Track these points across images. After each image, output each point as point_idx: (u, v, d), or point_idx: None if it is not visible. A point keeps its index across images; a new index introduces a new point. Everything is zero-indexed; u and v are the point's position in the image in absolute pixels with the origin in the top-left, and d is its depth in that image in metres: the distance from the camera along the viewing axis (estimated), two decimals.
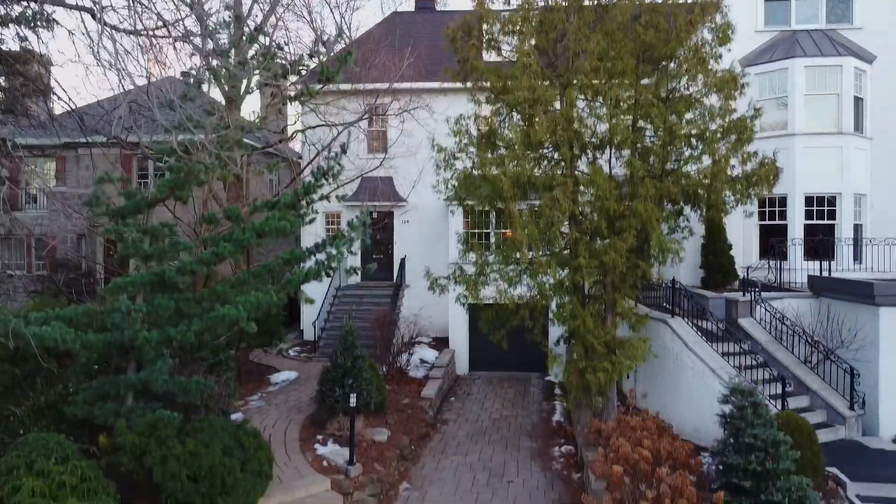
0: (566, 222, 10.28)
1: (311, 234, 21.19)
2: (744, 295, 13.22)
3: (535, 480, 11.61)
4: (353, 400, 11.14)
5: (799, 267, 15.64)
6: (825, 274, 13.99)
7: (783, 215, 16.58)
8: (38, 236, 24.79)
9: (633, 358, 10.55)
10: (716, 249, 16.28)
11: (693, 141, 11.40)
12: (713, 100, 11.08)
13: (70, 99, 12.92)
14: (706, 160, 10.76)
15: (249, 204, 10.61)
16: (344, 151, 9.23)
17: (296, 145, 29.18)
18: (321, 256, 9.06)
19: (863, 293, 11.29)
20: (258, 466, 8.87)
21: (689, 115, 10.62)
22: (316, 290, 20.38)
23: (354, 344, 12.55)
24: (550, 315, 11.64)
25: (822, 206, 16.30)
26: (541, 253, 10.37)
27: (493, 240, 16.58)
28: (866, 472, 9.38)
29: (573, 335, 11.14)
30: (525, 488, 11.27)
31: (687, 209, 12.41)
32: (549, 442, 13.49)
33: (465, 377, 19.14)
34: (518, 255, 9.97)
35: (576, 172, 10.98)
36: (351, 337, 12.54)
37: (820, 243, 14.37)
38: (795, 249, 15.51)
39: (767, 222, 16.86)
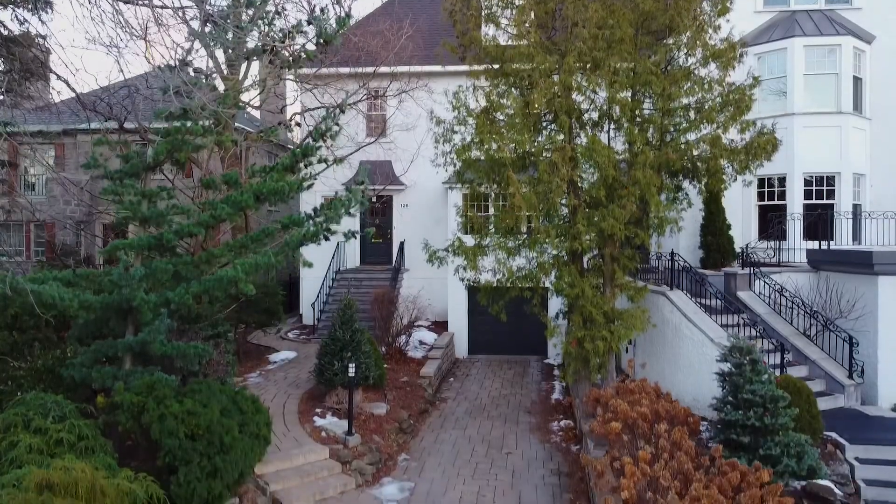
0: (565, 189, 10.26)
1: (310, 205, 21.20)
2: (742, 268, 13.21)
3: (533, 452, 11.61)
4: (351, 370, 11.13)
5: (798, 246, 15.62)
6: None
7: (782, 195, 16.57)
8: (38, 221, 24.79)
9: (633, 327, 10.54)
10: (714, 229, 16.27)
11: (692, 114, 11.41)
12: (712, 69, 11.07)
13: (68, 82, 12.92)
14: (705, 129, 10.75)
15: (248, 169, 10.58)
16: (342, 111, 9.21)
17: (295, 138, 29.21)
18: (320, 219, 9.05)
19: (862, 262, 11.27)
20: (256, 430, 8.85)
21: (687, 85, 10.61)
22: (315, 275, 20.44)
23: (353, 318, 12.53)
24: (549, 285, 11.61)
25: (821, 186, 16.29)
26: (540, 221, 10.33)
27: (491, 211, 16.47)
28: (865, 436, 9.37)
29: (572, 305, 11.13)
30: (524, 459, 11.26)
31: (686, 183, 12.42)
32: (547, 417, 13.49)
33: (464, 360, 19.14)
34: (517, 220, 9.93)
35: (574, 143, 10.97)
36: (349, 310, 12.52)
37: (819, 218, 14.34)
38: (794, 227, 15.50)
39: (766, 202, 16.85)
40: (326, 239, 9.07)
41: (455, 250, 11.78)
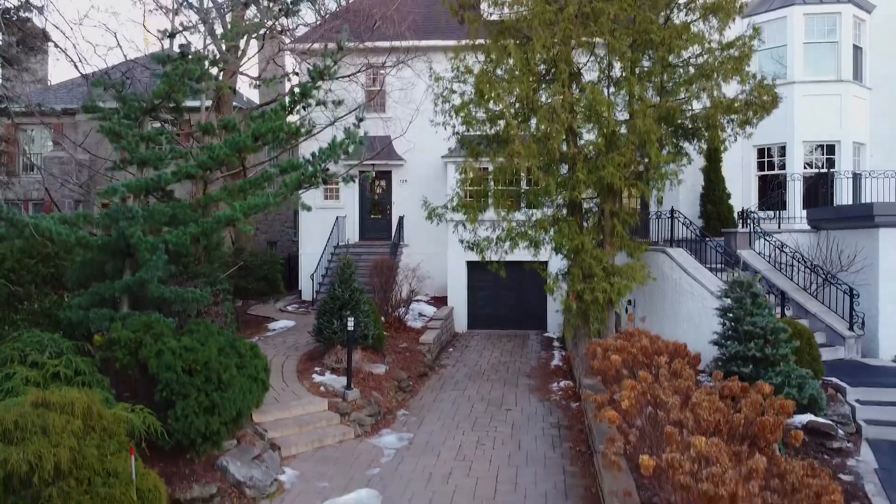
0: (564, 136, 10.20)
1: (310, 194, 21.18)
2: (743, 226, 13.17)
3: (533, 408, 11.56)
4: (350, 324, 11.08)
5: (798, 215, 15.59)
6: None
7: (782, 165, 16.54)
8: (37, 200, 24.73)
9: (632, 278, 10.50)
10: (714, 198, 16.26)
11: (691, 69, 11.37)
12: (713, 23, 11.03)
13: (66, 52, 12.89)
14: (704, 83, 10.71)
15: (247, 115, 10.52)
16: (340, 48, 9.14)
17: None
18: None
19: (862, 215, 11.24)
20: (254, 372, 8.80)
21: (688, 34, 10.56)
22: (314, 251, 20.39)
23: (352, 277, 12.49)
24: (548, 242, 11.56)
25: (821, 155, 16.26)
26: (539, 171, 10.28)
27: (490, 168, 16.41)
28: (866, 380, 9.34)
29: (572, 260, 11.09)
30: (523, 414, 11.22)
31: (686, 145, 12.39)
32: (547, 380, 13.44)
33: (463, 334, 19.08)
34: (516, 170, 9.87)
35: (573, 96, 10.92)
36: (349, 269, 12.47)
37: (818, 179, 14.29)
38: (795, 191, 15.43)
39: (766, 172, 16.83)
40: (325, 182, 9.02)
41: (455, 207, 11.72)
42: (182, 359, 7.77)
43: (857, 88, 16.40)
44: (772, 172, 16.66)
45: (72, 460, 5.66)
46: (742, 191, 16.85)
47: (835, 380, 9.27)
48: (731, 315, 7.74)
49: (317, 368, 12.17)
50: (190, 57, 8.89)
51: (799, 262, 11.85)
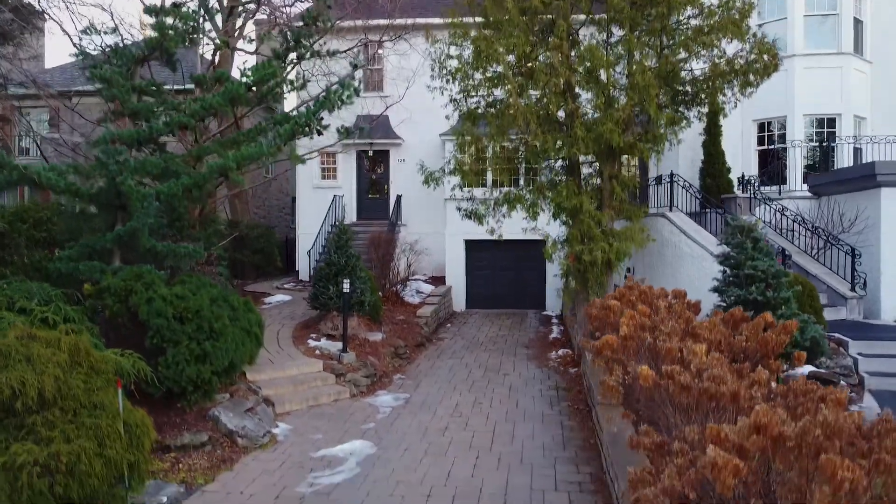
0: (562, 89, 10.04)
1: (307, 174, 21.02)
2: (743, 192, 13.03)
3: (531, 373, 11.44)
4: (346, 286, 10.95)
5: (798, 188, 15.45)
6: None
7: (782, 139, 16.40)
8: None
9: (631, 240, 10.36)
10: (714, 172, 16.10)
11: (690, 32, 11.23)
12: None
13: (62, 24, 12.74)
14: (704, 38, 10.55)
15: (240, 68, 10.37)
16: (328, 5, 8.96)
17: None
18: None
19: (864, 175, 11.10)
20: (248, 326, 8.68)
21: None
22: (311, 231, 20.20)
23: (348, 243, 12.35)
24: (547, 201, 11.41)
25: (822, 129, 16.13)
26: (538, 128, 10.12)
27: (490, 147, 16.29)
28: (868, 335, 9.21)
29: (570, 223, 10.94)
30: (521, 378, 11.09)
31: (686, 112, 12.25)
32: (545, 350, 13.31)
33: (461, 313, 18.93)
34: (515, 122, 9.72)
35: (572, 57, 10.77)
36: (345, 235, 12.34)
37: (819, 146, 14.13)
38: (796, 158, 15.23)
39: (766, 147, 16.69)
40: (319, 133, 8.87)
41: (452, 171, 11.58)
42: (173, 306, 7.63)
43: (857, 62, 16.27)
44: (772, 147, 16.51)
45: (56, 390, 5.52)
46: (742, 165, 16.68)
47: (837, 335, 9.14)
48: (731, 261, 7.60)
49: (312, 335, 12.04)
50: (184, 9, 8.76)
51: (800, 224, 11.70)
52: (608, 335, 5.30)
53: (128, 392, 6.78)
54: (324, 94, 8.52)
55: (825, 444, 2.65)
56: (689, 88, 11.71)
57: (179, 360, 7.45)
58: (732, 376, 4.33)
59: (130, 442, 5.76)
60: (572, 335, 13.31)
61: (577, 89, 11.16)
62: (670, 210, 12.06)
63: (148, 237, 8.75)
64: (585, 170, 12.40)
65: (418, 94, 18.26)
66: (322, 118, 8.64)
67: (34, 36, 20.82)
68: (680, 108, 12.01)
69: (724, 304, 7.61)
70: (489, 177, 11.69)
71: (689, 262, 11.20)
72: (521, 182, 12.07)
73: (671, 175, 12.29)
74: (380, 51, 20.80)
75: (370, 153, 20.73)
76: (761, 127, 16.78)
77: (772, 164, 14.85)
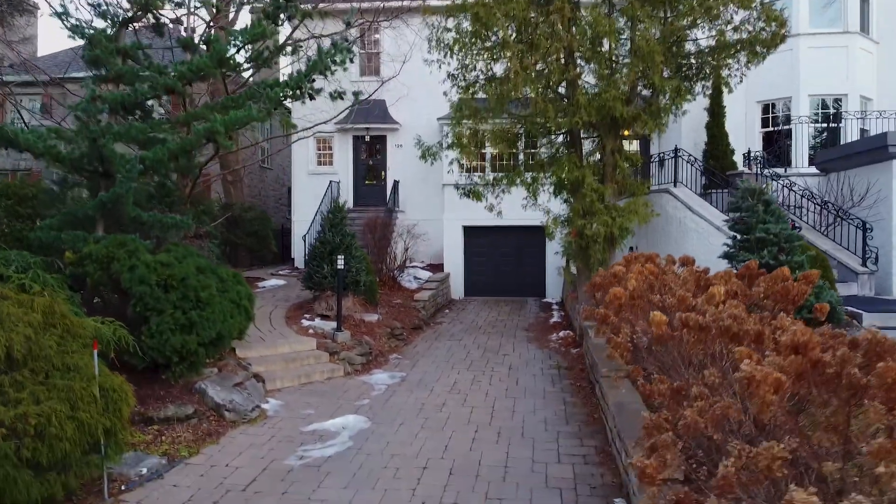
0: (563, 55, 9.68)
1: (303, 160, 20.66)
2: (749, 168, 12.70)
3: (531, 354, 11.10)
4: (340, 262, 10.61)
5: (804, 167, 15.12)
6: None
7: (787, 121, 16.07)
8: (24, 170, 24.18)
9: (634, 213, 10.02)
10: (718, 154, 15.77)
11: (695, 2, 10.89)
12: None
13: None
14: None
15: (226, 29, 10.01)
16: None
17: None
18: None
19: (875, 147, 10.76)
20: (236, 298, 8.31)
21: None
22: (306, 218, 19.84)
23: (343, 221, 12.00)
24: (548, 176, 11.06)
25: (827, 109, 15.80)
26: (538, 95, 9.76)
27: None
28: (882, 308, 8.88)
29: (571, 196, 10.60)
30: (521, 358, 10.75)
31: (689, 86, 11.90)
32: (546, 333, 12.98)
33: (459, 300, 18.57)
34: (515, 88, 9.35)
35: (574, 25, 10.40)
36: (339, 213, 11.99)
37: (828, 125, 13.78)
38: (802, 139, 14.88)
39: (771, 129, 16.36)
40: (311, 98, 8.51)
41: (450, 145, 11.23)
42: (157, 273, 7.27)
43: (864, 41, 15.94)
44: (776, 128, 16.18)
45: (27, 350, 5.17)
46: (746, 147, 16.34)
47: (850, 308, 8.82)
48: (741, 225, 7.25)
49: (306, 315, 11.69)
50: None
51: (809, 199, 11.36)
52: (616, 288, 4.95)
53: (109, 363, 6.44)
54: (315, 56, 8.16)
55: (874, 362, 2.31)
56: (693, 61, 11.36)
57: (164, 329, 7.10)
58: (754, 319, 3.99)
59: (106, 407, 5.41)
60: (573, 317, 12.97)
61: (579, 61, 10.81)
62: (674, 186, 11.72)
63: (133, 206, 8.41)
64: (586, 147, 12.06)
65: (416, 77, 17.93)
66: (314, 80, 8.28)
67: (24, 17, 20.46)
68: (684, 83, 11.66)
69: (735, 270, 7.24)
70: (488, 151, 11.29)
71: (695, 237, 10.86)
72: (521, 158, 11.70)
73: (675, 150, 11.94)
74: (376, 35, 20.46)
75: (367, 138, 20.38)
76: (765, 108, 16.45)
77: (778, 144, 14.48)
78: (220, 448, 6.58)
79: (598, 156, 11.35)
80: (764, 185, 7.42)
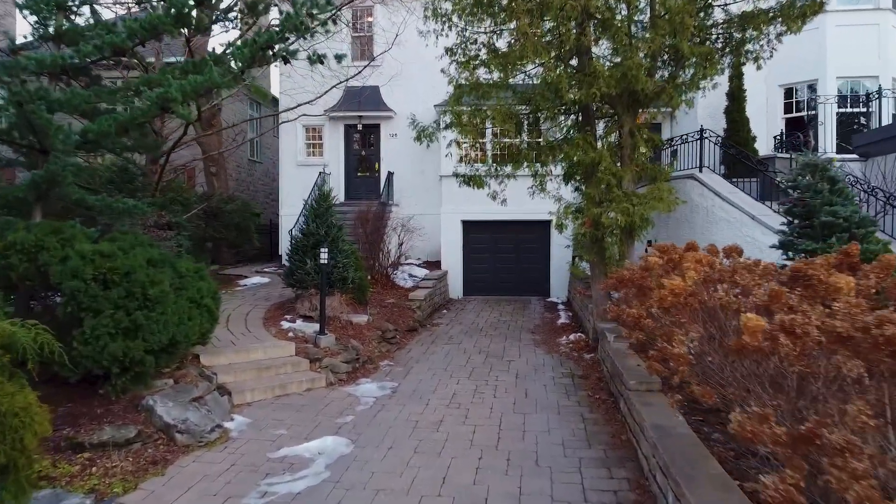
0: (579, 21, 8.45)
1: (291, 150, 19.41)
2: (782, 151, 11.47)
3: (539, 360, 9.86)
4: (324, 256, 9.34)
5: (832, 153, 13.92)
6: None
7: (811, 105, 14.87)
8: None
9: (660, 200, 8.78)
10: (738, 141, 14.54)
11: None
12: None
13: None
14: None
15: None
16: None
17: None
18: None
19: None
20: (197, 296, 7.05)
21: None
22: (294, 212, 18.59)
23: (329, 211, 10.74)
24: (558, 160, 9.82)
25: (856, 92, 14.60)
26: (551, 61, 8.52)
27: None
28: None
29: (584, 182, 9.37)
30: (529, 365, 9.51)
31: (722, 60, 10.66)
32: (554, 336, 11.74)
33: (458, 300, 17.32)
34: (524, 53, 8.10)
35: None
36: (325, 202, 10.73)
37: (866, 105, 12.55)
38: (830, 122, 13.69)
39: (794, 115, 15.16)
40: (286, 61, 7.24)
41: (448, 124, 9.97)
42: (94, 265, 6.01)
43: None
44: (800, 115, 14.97)
45: None
46: (767, 134, 15.16)
47: None
48: (800, 208, 6.03)
49: (287, 316, 10.43)
50: None
51: (853, 185, 10.13)
52: (674, 280, 3.71)
53: (29, 375, 5.19)
54: (289, 7, 6.90)
55: None
56: (720, 32, 10.14)
57: (100, 333, 5.84)
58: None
59: (3, 437, 4.17)
60: (583, 318, 11.75)
61: (593, 32, 9.57)
62: (700, 171, 10.49)
63: (77, 189, 7.16)
64: (600, 129, 10.82)
65: (412, 57, 16.74)
66: (287, 37, 7.03)
67: None
68: (708, 60, 10.43)
69: (792, 261, 6.02)
70: (489, 140, 10.05)
71: (725, 227, 9.65)
72: (527, 140, 10.47)
73: (701, 130, 10.70)
74: (369, 18, 19.22)
75: (359, 127, 19.11)
76: (788, 93, 15.26)
77: (809, 126, 13.24)
78: (166, 481, 5.32)
79: (613, 137, 10.12)
80: (828, 161, 6.21)
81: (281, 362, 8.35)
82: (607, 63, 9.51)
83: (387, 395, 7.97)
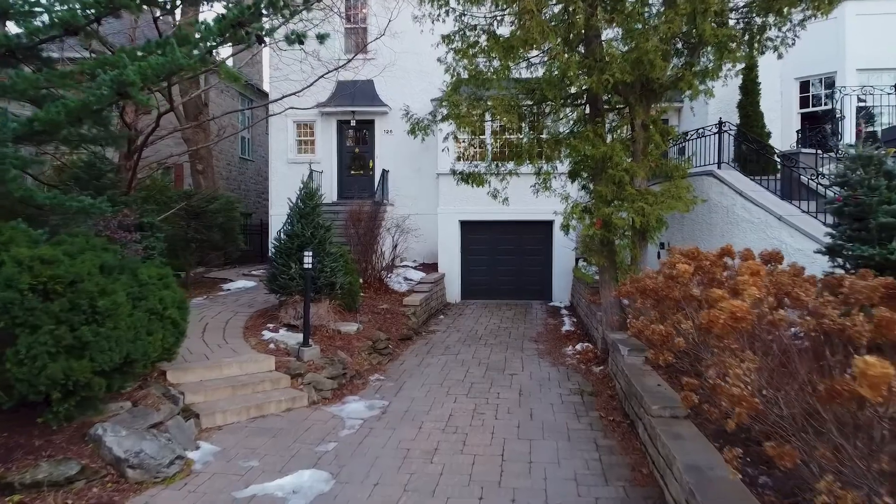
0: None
1: (281, 147, 18.59)
2: (804, 146, 10.66)
3: (544, 373, 9.04)
4: (307, 260, 8.51)
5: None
6: None
7: (829, 100, 14.08)
8: None
9: (678, 199, 7.97)
10: (752, 136, 13.74)
11: None
12: None
13: None
14: None
15: None
16: None
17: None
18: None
19: None
20: (160, 307, 6.22)
21: None
22: (285, 211, 17.74)
23: (316, 211, 9.92)
24: (564, 155, 9.02)
25: (878, 82, 13.78)
26: (558, 45, 7.70)
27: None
28: None
29: (592, 180, 8.56)
30: (533, 379, 8.68)
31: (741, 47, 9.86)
32: (559, 345, 10.92)
33: (456, 304, 16.49)
34: (528, 39, 7.28)
35: None
36: (311, 200, 9.90)
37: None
38: (850, 122, 12.92)
39: (811, 109, 14.36)
40: (260, 42, 6.41)
41: (446, 116, 9.15)
42: (32, 273, 5.17)
43: None
44: (817, 110, 14.18)
45: None
46: (782, 130, 14.36)
47: None
48: (851, 208, 5.23)
49: (269, 325, 9.60)
50: None
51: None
52: (733, 301, 2.90)
53: None
54: None
55: None
56: (738, 19, 9.35)
57: (38, 352, 5.01)
58: None
59: None
60: (590, 325, 10.94)
61: (604, 16, 8.75)
62: (718, 167, 9.68)
63: (27, 187, 6.32)
64: (609, 123, 10.01)
65: (407, 47, 15.94)
66: (262, 13, 6.21)
67: None
68: (730, 43, 9.63)
69: (842, 269, 5.22)
70: (488, 135, 9.23)
71: (748, 229, 8.84)
72: (529, 133, 9.66)
73: (720, 123, 9.88)
74: (364, 10, 18.41)
75: (352, 123, 18.29)
76: (804, 86, 14.46)
77: (828, 121, 12.43)
78: None
79: (624, 131, 9.31)
80: (882, 153, 5.41)
81: (259, 378, 7.52)
82: (619, 49, 8.71)
83: (375, 415, 7.14)
